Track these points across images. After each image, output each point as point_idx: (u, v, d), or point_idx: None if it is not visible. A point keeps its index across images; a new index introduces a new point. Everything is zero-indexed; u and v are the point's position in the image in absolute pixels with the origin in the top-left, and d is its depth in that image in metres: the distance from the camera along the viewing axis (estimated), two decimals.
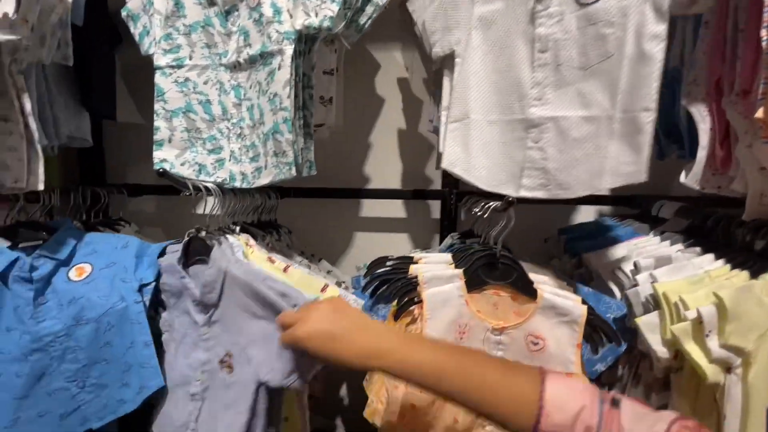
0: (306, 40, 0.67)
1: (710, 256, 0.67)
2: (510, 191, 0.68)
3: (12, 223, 0.76)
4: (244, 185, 0.73)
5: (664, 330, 0.60)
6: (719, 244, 0.70)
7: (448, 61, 0.72)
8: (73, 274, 0.74)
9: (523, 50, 0.63)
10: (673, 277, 0.64)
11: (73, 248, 0.76)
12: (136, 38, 0.75)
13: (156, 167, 0.74)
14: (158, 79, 0.73)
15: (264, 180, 0.71)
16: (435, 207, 1.14)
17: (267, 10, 0.64)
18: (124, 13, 0.75)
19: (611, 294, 0.77)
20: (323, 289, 0.69)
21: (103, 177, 1.19)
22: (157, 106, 0.74)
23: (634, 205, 1.03)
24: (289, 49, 0.63)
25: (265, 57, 0.66)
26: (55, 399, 0.71)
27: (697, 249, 0.70)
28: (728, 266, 0.63)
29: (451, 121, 0.71)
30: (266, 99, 0.66)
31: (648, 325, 0.62)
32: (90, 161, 1.16)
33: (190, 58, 0.73)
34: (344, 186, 1.09)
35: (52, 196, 0.84)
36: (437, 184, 1.13)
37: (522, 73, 0.64)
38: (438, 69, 0.89)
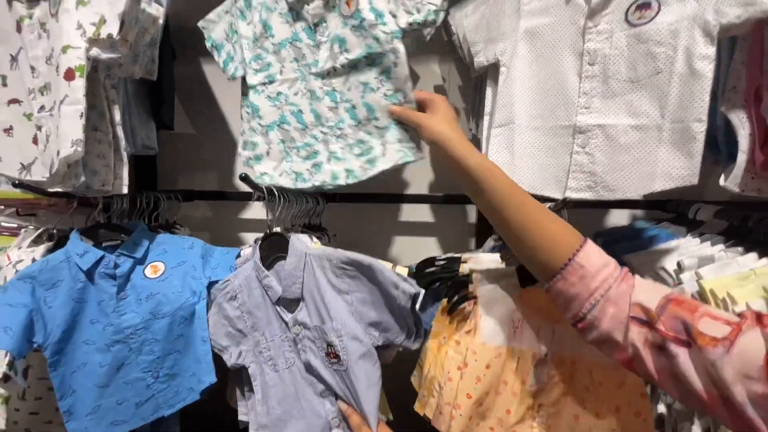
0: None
1: (754, 255, 0.70)
2: (555, 193, 0.72)
3: (93, 224, 0.83)
4: (350, 180, 0.75)
5: None
6: (762, 243, 0.73)
7: (491, 69, 0.78)
8: (149, 271, 0.80)
9: (571, 61, 0.68)
10: (719, 275, 0.67)
11: (147, 248, 0.82)
12: (221, 65, 0.80)
13: (257, 179, 0.78)
14: (252, 97, 0.77)
15: (382, 166, 0.73)
16: (471, 211, 1.19)
17: (368, 15, 0.67)
18: (208, 44, 0.80)
19: None
20: (393, 267, 0.73)
21: (155, 183, 1.26)
22: (253, 123, 0.77)
23: (668, 210, 1.06)
24: (401, 47, 0.67)
25: (371, 58, 0.69)
26: (132, 388, 0.77)
27: (740, 248, 0.73)
28: None
29: (495, 126, 0.76)
30: (380, 95, 0.70)
31: None
32: (144, 168, 1.23)
33: (281, 73, 0.76)
34: (383, 191, 1.15)
35: (124, 200, 0.91)
36: None
37: (569, 83, 0.68)
38: (477, 76, 0.94)
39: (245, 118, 0.79)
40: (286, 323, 0.72)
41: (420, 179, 1.20)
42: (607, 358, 0.55)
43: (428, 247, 1.21)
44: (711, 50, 0.57)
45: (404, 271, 0.65)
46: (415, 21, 0.67)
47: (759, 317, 0.45)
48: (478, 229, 1.15)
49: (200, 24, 0.80)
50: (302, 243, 0.71)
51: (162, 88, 0.91)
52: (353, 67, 0.71)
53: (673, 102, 0.60)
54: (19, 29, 0.72)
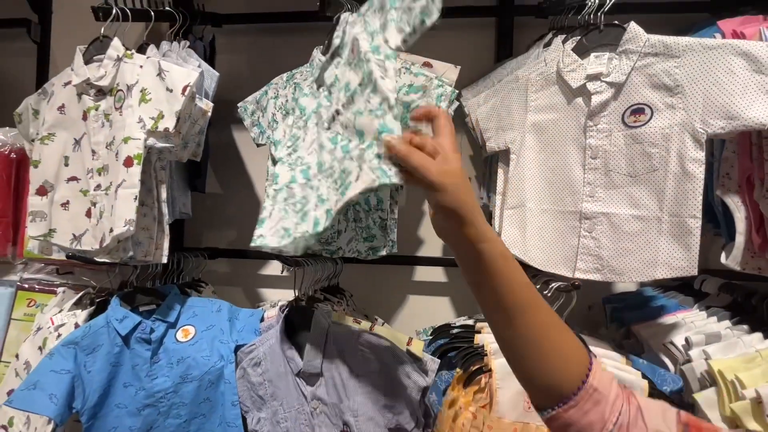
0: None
1: (759, 335, 0.73)
2: (566, 272, 0.77)
3: (131, 290, 0.89)
4: (327, 222, 0.63)
5: (723, 406, 0.65)
6: (766, 323, 0.76)
7: (502, 153, 0.85)
8: (180, 335, 0.85)
9: (575, 154, 0.75)
10: (726, 355, 0.70)
11: (179, 312, 0.87)
12: (256, 136, 0.89)
13: (252, 244, 0.72)
14: (278, 168, 0.77)
15: (351, 193, 0.58)
16: None
17: (364, 46, 0.65)
18: (242, 112, 0.90)
19: (663, 366, 0.83)
20: (409, 343, 0.76)
21: (182, 241, 1.33)
22: (269, 190, 0.78)
23: (675, 278, 1.10)
24: (390, 65, 0.62)
25: (364, 83, 0.64)
26: None
27: (745, 327, 0.76)
28: None
29: (508, 207, 0.83)
30: (366, 114, 0.61)
31: (707, 400, 0.67)
32: (172, 227, 1.30)
33: (303, 140, 0.78)
34: (398, 253, 1.20)
35: (158, 264, 0.97)
36: None
37: (574, 173, 0.75)
38: (487, 156, 1.02)
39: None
40: (305, 396, 0.76)
41: (434, 240, 1.26)
42: None
43: (441, 308, 1.25)
44: (701, 154, 0.63)
45: (420, 347, 0.68)
46: (407, 33, 0.62)
47: None
48: None
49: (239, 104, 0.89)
50: (325, 318, 0.75)
51: (201, 160, 1.00)
52: (351, 100, 0.66)
53: (669, 197, 0.66)
54: (85, 118, 0.82)
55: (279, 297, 1.34)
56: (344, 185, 0.61)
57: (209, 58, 1.02)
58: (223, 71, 1.24)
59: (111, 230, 0.73)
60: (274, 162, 0.84)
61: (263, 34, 1.28)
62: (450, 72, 0.85)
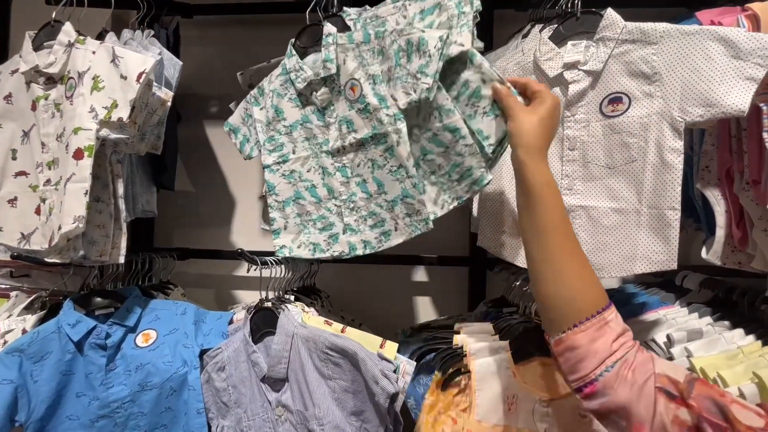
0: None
1: (740, 331, 0.71)
2: None
3: (87, 292, 0.83)
4: (368, 251, 0.79)
5: None
6: (747, 319, 0.74)
7: None
8: (140, 340, 0.79)
9: (553, 146, 0.72)
10: (708, 352, 0.68)
11: (140, 315, 0.82)
12: (237, 146, 0.86)
13: (278, 254, 0.82)
14: (267, 176, 0.82)
15: (396, 240, 0.77)
16: (464, 272, 1.20)
17: (372, 100, 0.72)
18: (226, 129, 0.86)
19: None
20: (382, 345, 0.73)
21: (152, 240, 1.27)
22: (270, 200, 0.82)
23: (657, 273, 1.08)
24: (403, 127, 0.71)
25: (377, 138, 0.74)
26: None
27: (726, 323, 0.75)
28: (759, 342, 0.67)
29: (486, 201, 0.80)
30: (386, 171, 0.74)
31: None
32: (140, 226, 1.25)
33: (293, 153, 0.81)
34: (377, 252, 1.16)
35: (120, 265, 0.91)
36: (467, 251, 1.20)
37: (552, 165, 0.71)
38: None
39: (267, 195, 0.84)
40: (270, 402, 0.71)
41: (414, 240, 1.22)
42: None
43: (422, 308, 1.21)
44: (679, 143, 0.61)
45: (393, 350, 0.65)
46: (413, 100, 0.70)
47: None
48: (470, 289, 1.15)
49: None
50: (291, 321, 0.71)
51: (165, 155, 0.95)
52: (361, 145, 0.76)
53: (648, 189, 0.63)
54: (34, 108, 0.76)
55: (253, 299, 1.30)
56: (382, 229, 0.78)
57: (173, 46, 0.97)
58: (195, 64, 1.19)
59: (59, 228, 0.68)
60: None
61: (235, 26, 1.23)
62: None
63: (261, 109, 0.82)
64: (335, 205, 0.81)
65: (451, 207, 0.72)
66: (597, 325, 0.50)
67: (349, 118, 0.76)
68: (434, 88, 0.70)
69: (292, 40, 0.81)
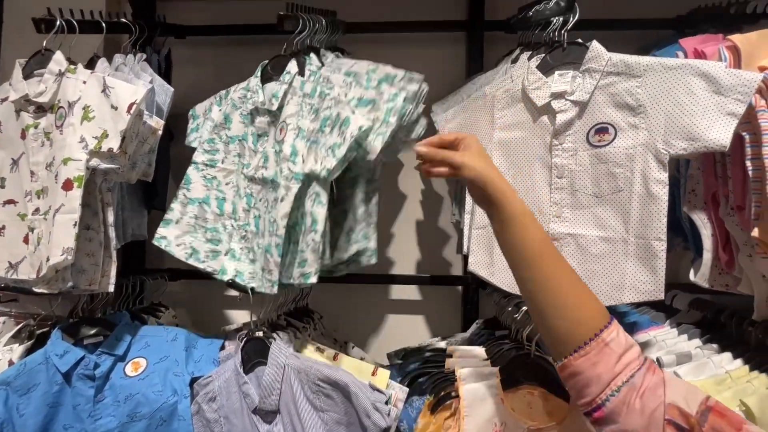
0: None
1: (728, 355, 0.72)
2: None
3: (75, 320, 0.82)
4: (238, 280, 0.81)
5: None
6: (734, 341, 0.75)
7: None
8: (129, 369, 0.78)
9: (541, 173, 0.73)
10: (697, 377, 0.69)
11: (130, 343, 0.81)
12: (187, 131, 0.92)
13: (154, 242, 0.85)
14: (190, 171, 0.86)
15: (254, 284, 0.79)
16: (457, 291, 1.20)
17: (286, 149, 0.75)
18: (190, 112, 0.91)
19: None
20: (374, 373, 0.74)
21: (143, 261, 1.26)
22: (179, 192, 0.86)
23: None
24: (294, 188, 0.73)
25: (274, 184, 0.77)
26: None
27: (715, 346, 0.75)
28: (746, 367, 0.68)
29: (476, 227, 0.80)
30: (269, 219, 0.77)
31: None
32: (132, 247, 1.23)
33: (222, 162, 0.86)
34: (371, 272, 1.16)
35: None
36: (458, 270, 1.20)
37: (541, 192, 0.73)
38: None
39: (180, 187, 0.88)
40: None
41: (407, 260, 1.22)
42: None
43: (415, 327, 1.21)
44: (664, 175, 0.62)
45: (385, 378, 0.65)
46: (314, 171, 0.72)
47: None
48: (464, 309, 1.16)
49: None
50: (282, 352, 0.71)
51: (156, 178, 0.94)
52: (264, 183, 0.80)
53: (635, 219, 0.64)
54: (23, 136, 0.76)
55: (246, 319, 1.28)
56: (254, 270, 0.79)
57: (165, 72, 0.97)
58: (186, 83, 1.19)
59: (48, 259, 0.67)
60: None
61: (227, 46, 1.24)
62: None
63: (219, 110, 0.87)
64: (231, 225, 0.84)
65: (290, 282, 0.76)
66: (597, 348, 0.49)
67: (268, 155, 0.80)
68: (335, 172, 0.73)
69: (265, 62, 0.85)
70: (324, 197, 0.73)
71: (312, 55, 0.82)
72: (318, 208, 0.72)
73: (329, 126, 0.72)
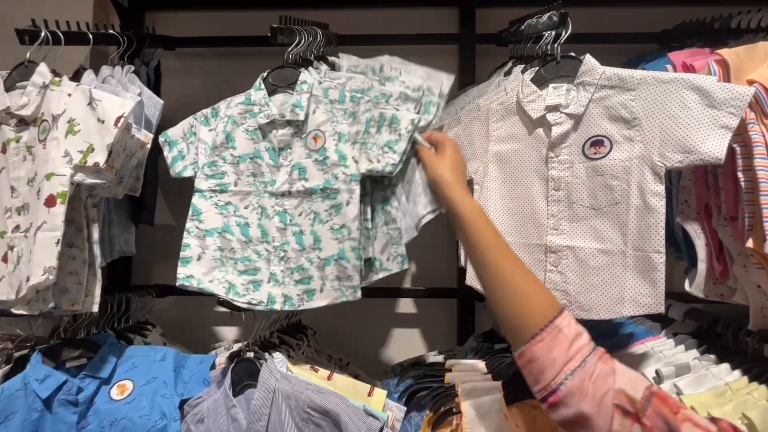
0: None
1: (726, 366, 0.72)
2: None
3: (56, 342, 0.78)
4: (287, 307, 0.76)
5: None
6: (731, 351, 0.75)
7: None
8: (114, 392, 0.75)
9: (538, 185, 0.73)
10: (697, 389, 0.68)
11: (115, 365, 0.78)
12: (168, 161, 0.82)
13: (179, 283, 0.77)
14: (196, 200, 0.79)
15: (319, 302, 0.75)
16: (453, 304, 1.19)
17: (333, 155, 0.75)
18: (162, 139, 0.82)
19: None
20: (370, 393, 0.72)
21: (129, 277, 1.22)
22: (189, 225, 0.78)
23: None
24: (357, 189, 0.73)
25: (327, 191, 0.75)
26: None
27: (713, 356, 0.75)
28: (745, 378, 0.68)
29: None
30: (327, 228, 0.74)
31: None
32: (118, 264, 1.19)
33: (235, 185, 0.79)
34: (364, 285, 1.14)
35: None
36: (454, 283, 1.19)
37: (537, 205, 0.73)
38: None
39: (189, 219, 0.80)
40: None
41: (402, 272, 1.21)
42: None
43: (411, 340, 1.19)
44: (661, 188, 0.63)
45: (382, 399, 0.63)
46: (374, 169, 0.73)
47: (735, 430, 0.46)
48: (459, 322, 1.14)
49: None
50: (273, 374, 0.69)
51: (145, 193, 0.91)
52: (307, 194, 0.77)
53: (633, 231, 0.64)
54: (4, 150, 0.73)
55: (236, 337, 1.25)
56: (306, 287, 0.76)
57: (154, 84, 0.95)
58: (176, 95, 1.17)
59: (28, 279, 0.64)
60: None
61: (217, 58, 1.22)
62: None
63: (210, 130, 0.80)
64: (266, 249, 0.78)
65: (396, 260, 0.79)
66: (552, 334, 0.52)
67: (303, 166, 0.77)
68: (399, 165, 0.74)
69: (264, 74, 0.82)
70: (390, 191, 0.77)
71: (321, 63, 0.82)
72: (388, 204, 0.77)
73: (374, 126, 0.73)
